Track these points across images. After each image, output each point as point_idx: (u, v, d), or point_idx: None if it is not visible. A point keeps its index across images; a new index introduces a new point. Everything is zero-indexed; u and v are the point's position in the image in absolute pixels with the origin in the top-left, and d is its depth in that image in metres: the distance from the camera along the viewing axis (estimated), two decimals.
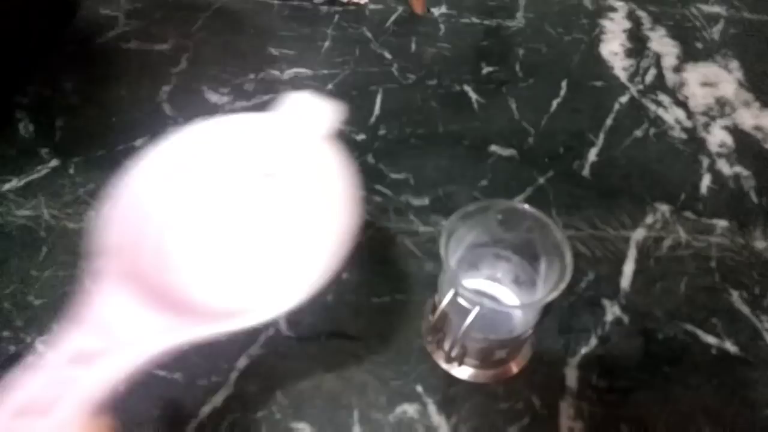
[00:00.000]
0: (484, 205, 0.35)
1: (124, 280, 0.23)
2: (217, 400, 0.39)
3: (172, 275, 0.25)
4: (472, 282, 0.40)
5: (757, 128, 0.55)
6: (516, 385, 0.39)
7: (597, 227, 0.47)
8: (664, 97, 0.57)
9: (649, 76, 0.59)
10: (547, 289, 0.33)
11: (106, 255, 0.23)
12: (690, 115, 0.56)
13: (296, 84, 0.58)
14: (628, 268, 0.44)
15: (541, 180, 0.50)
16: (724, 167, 0.52)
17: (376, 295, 0.43)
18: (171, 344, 0.21)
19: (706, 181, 0.50)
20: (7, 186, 0.50)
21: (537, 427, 0.37)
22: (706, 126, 0.55)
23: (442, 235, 0.33)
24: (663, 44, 0.63)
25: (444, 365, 0.39)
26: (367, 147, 0.53)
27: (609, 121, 0.55)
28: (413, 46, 0.62)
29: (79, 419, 0.20)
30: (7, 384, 0.20)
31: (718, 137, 0.54)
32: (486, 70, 0.60)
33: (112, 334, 0.22)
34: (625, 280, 0.44)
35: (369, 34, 0.62)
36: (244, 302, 0.24)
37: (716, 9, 0.67)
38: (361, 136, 0.53)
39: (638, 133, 0.54)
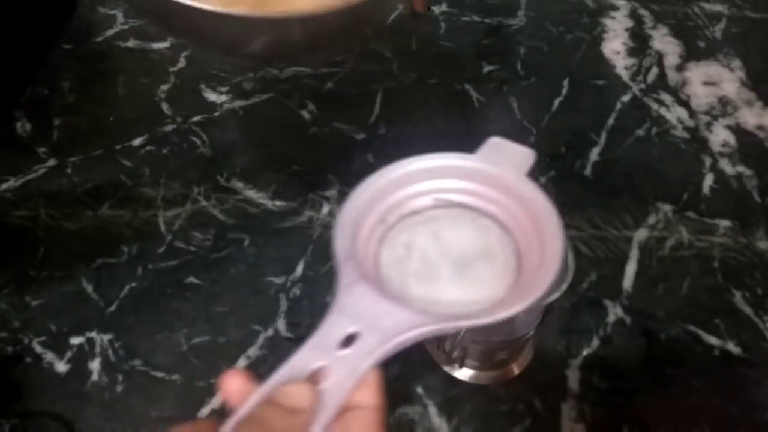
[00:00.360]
0: None
1: (367, 280, 0.27)
2: (216, 401, 0.38)
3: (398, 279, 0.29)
4: None
5: (760, 127, 0.54)
6: (517, 386, 0.38)
7: (599, 227, 0.47)
8: (666, 96, 0.57)
9: (651, 75, 0.59)
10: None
11: (348, 258, 0.27)
12: (692, 114, 0.55)
13: (296, 83, 0.57)
14: (631, 268, 0.44)
15: (543, 179, 0.50)
16: (727, 167, 0.51)
17: None
18: (414, 333, 0.25)
19: (708, 180, 0.50)
20: (4, 186, 0.50)
21: (538, 428, 0.37)
22: (709, 125, 0.54)
23: None
24: (665, 43, 0.63)
25: (445, 367, 0.39)
26: (367, 146, 0.52)
27: (611, 121, 0.55)
28: (413, 45, 0.62)
29: (353, 391, 0.23)
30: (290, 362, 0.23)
31: (720, 136, 0.54)
32: (487, 68, 0.59)
33: (368, 321, 0.25)
34: (627, 281, 0.43)
35: (369, 32, 0.62)
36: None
37: (718, 7, 0.67)
38: (360, 135, 0.53)
39: (640, 132, 0.54)
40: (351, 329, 0.25)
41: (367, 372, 0.23)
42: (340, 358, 0.24)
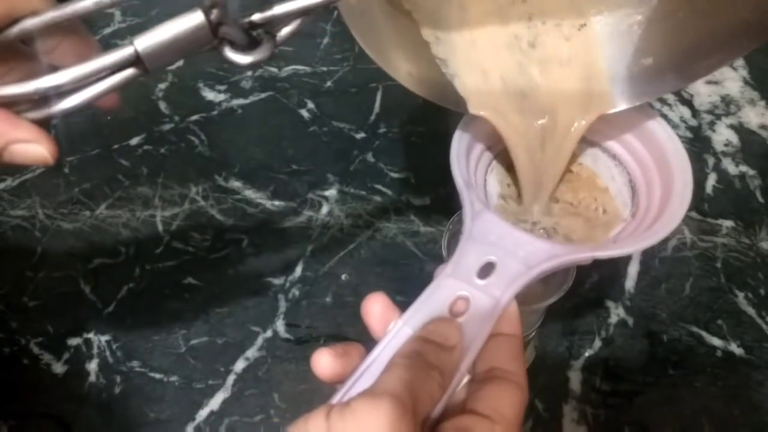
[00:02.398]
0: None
1: (491, 209, 0.26)
2: (215, 403, 0.38)
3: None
4: None
5: (763, 127, 0.54)
6: None
7: None
8: (668, 95, 0.57)
9: None
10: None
11: (469, 185, 0.27)
12: (695, 113, 0.55)
13: (295, 81, 0.57)
14: (633, 269, 0.44)
15: None
16: (730, 166, 0.51)
17: None
18: (554, 263, 0.24)
19: (711, 180, 0.50)
20: (1, 185, 0.49)
21: (540, 430, 0.36)
22: (712, 124, 0.54)
23: (444, 236, 0.33)
24: None
25: None
26: (367, 145, 0.52)
27: None
28: None
29: (496, 321, 0.23)
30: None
31: (723, 136, 0.53)
32: None
33: (505, 250, 0.24)
34: (630, 281, 0.43)
35: None
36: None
37: None
38: (360, 134, 0.53)
39: None
40: (488, 258, 0.24)
41: (509, 301, 0.23)
42: (482, 288, 0.23)
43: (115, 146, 0.52)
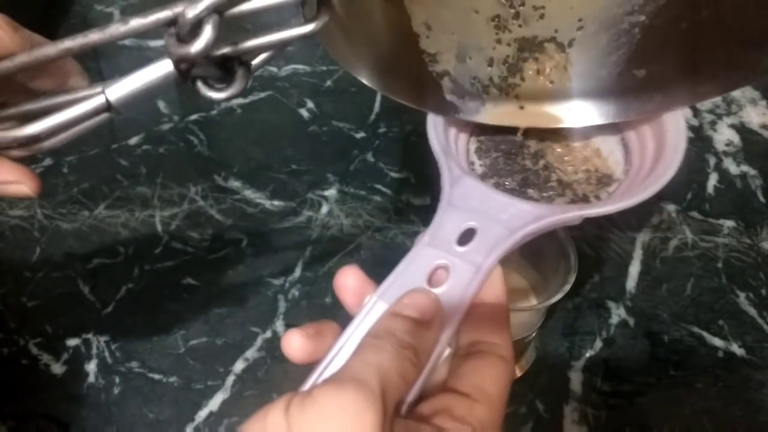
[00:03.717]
0: None
1: (471, 174, 0.25)
2: (214, 404, 0.38)
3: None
4: None
5: (764, 126, 0.54)
6: (519, 388, 0.38)
7: (602, 227, 0.46)
8: None
9: None
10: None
11: (447, 151, 0.27)
12: (696, 113, 0.55)
13: (295, 81, 0.57)
14: (634, 269, 0.44)
15: None
16: (731, 166, 0.51)
17: None
18: (539, 225, 0.23)
19: (712, 180, 0.50)
20: None
21: (541, 431, 0.36)
22: (713, 124, 0.54)
23: None
24: None
25: None
26: (367, 145, 0.52)
27: None
28: None
29: (479, 289, 0.22)
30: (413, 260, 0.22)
31: (724, 136, 0.53)
32: None
33: (485, 214, 0.23)
34: (631, 282, 0.43)
35: None
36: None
37: None
38: (360, 134, 0.53)
39: None
40: (468, 224, 0.23)
41: (491, 268, 0.22)
42: (462, 255, 0.22)
43: (114, 146, 0.52)
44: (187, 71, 0.20)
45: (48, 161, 0.51)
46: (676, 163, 0.25)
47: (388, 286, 0.22)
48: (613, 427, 0.36)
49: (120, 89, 0.20)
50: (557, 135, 0.30)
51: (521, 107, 0.28)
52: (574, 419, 0.37)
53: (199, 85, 0.21)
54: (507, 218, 0.23)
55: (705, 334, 0.41)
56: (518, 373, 0.38)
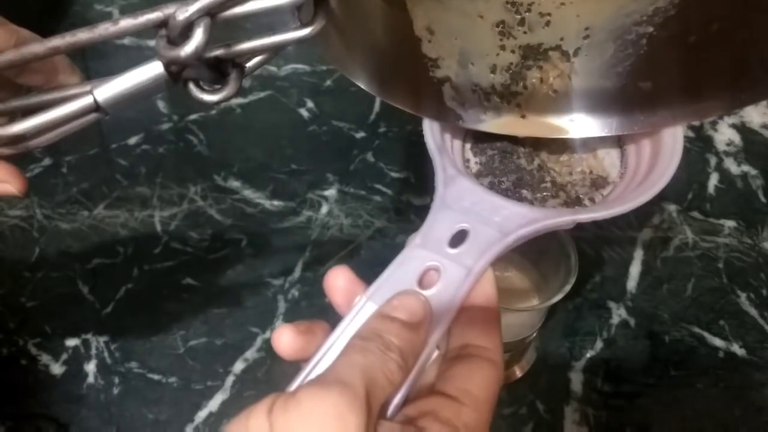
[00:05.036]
0: None
1: (467, 174, 0.25)
2: (214, 404, 0.38)
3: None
4: None
5: (765, 126, 0.54)
6: (520, 389, 0.38)
7: (602, 227, 0.46)
8: None
9: None
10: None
11: (442, 150, 0.26)
12: None
13: (294, 80, 0.57)
14: (635, 269, 0.44)
15: None
16: (732, 166, 0.51)
17: None
18: (532, 228, 0.23)
19: (713, 180, 0.50)
20: None
21: None
22: (714, 124, 0.54)
23: None
24: None
25: None
26: (367, 145, 0.52)
27: None
28: None
29: (470, 292, 0.21)
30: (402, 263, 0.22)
31: (725, 135, 0.53)
32: None
33: (478, 216, 0.23)
34: (632, 282, 0.43)
35: None
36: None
37: None
38: (360, 134, 0.52)
39: None
40: (460, 225, 0.23)
41: (482, 271, 0.21)
42: (453, 257, 0.22)
43: (114, 146, 0.52)
44: (178, 73, 0.20)
45: (47, 161, 0.51)
46: (672, 168, 0.25)
47: (378, 287, 0.22)
48: (613, 428, 0.36)
49: (108, 90, 0.20)
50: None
51: (523, 116, 0.28)
52: (574, 420, 0.37)
53: (191, 87, 0.21)
54: (499, 221, 0.23)
55: (706, 334, 0.40)
56: (519, 374, 0.38)
